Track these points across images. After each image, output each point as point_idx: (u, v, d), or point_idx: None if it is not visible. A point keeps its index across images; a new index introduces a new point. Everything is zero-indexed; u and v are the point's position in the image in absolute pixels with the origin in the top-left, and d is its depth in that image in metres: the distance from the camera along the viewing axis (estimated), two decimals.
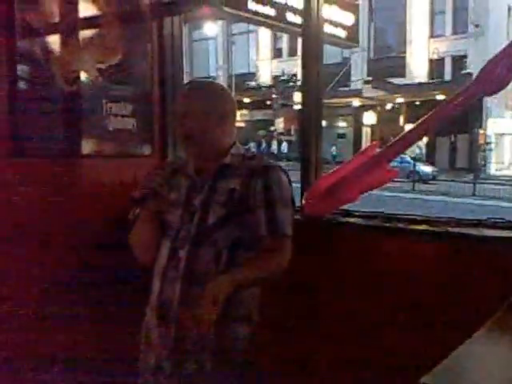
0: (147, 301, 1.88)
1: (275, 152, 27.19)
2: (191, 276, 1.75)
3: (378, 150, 2.22)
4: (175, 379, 1.79)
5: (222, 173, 1.85)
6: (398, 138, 2.22)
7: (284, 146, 28.01)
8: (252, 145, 28.35)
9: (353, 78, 28.56)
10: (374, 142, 2.42)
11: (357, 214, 2.48)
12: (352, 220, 2.45)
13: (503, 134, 25.51)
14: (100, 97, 2.43)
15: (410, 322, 2.17)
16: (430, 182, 21.31)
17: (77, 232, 2.26)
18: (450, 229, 2.25)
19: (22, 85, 2.11)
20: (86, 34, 2.45)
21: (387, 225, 2.36)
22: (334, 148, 25.04)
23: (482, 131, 24.79)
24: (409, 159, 20.78)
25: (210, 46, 34.17)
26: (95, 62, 2.40)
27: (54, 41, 2.33)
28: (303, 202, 2.36)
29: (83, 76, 2.37)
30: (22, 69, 2.11)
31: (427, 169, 22.71)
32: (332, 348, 2.34)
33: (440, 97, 22.40)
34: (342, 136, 28.87)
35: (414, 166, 20.35)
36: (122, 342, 2.13)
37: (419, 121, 2.17)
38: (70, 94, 2.29)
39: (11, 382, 2.07)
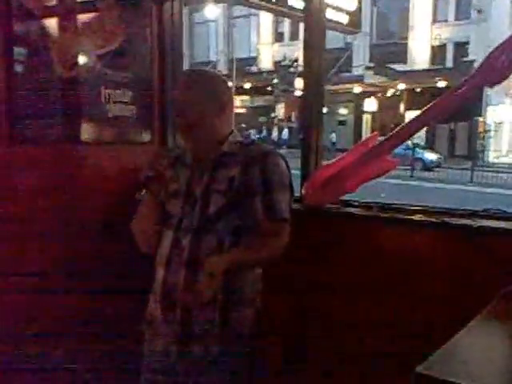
0: (150, 289, 1.90)
1: (275, 139, 27.10)
2: (194, 264, 1.76)
3: (378, 140, 2.22)
4: (182, 364, 1.82)
5: (221, 161, 1.86)
6: (398, 128, 2.22)
7: (285, 132, 27.92)
8: (252, 131, 28.29)
9: (354, 64, 28.41)
10: (375, 133, 2.41)
11: (356, 203, 2.49)
12: (351, 210, 2.46)
13: (502, 122, 25.45)
14: (99, 83, 2.41)
15: (407, 311, 2.18)
16: (435, 169, 21.20)
17: (76, 218, 2.26)
18: (446, 219, 2.26)
19: (19, 71, 2.09)
20: (84, 18, 2.43)
21: (386, 215, 2.37)
22: (333, 135, 25.00)
23: (481, 119, 24.75)
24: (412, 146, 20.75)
25: (211, 29, 33.91)
26: (94, 47, 2.39)
27: (51, 26, 2.31)
28: (303, 191, 2.36)
29: (82, 62, 2.35)
30: (19, 55, 2.09)
31: (432, 156, 22.60)
32: (330, 335, 2.36)
33: (441, 84, 22.35)
34: (342, 123, 28.81)
35: (413, 152, 20.18)
36: (126, 330, 2.15)
37: (420, 112, 2.17)
38: (69, 80, 2.28)
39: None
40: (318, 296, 2.39)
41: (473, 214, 2.30)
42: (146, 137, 2.73)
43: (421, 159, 21.49)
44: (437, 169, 21.21)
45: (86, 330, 2.22)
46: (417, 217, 2.33)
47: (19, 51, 2.11)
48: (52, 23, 2.31)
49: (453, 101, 2.09)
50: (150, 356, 1.89)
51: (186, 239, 1.79)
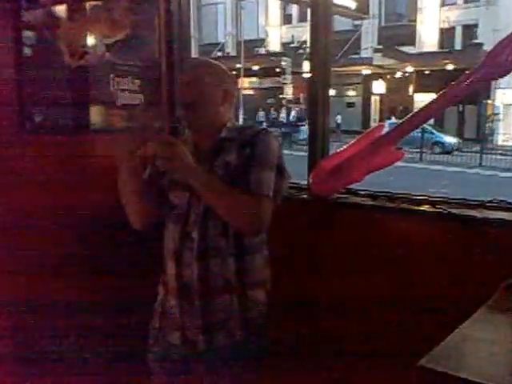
0: (159, 279, 1.91)
1: (284, 120, 26.96)
2: (205, 254, 1.78)
3: (384, 131, 2.22)
4: (210, 354, 1.82)
5: (220, 148, 1.84)
6: (405, 119, 2.22)
7: (293, 114, 27.72)
8: (261, 113, 28.18)
9: (363, 46, 28.17)
10: (381, 124, 2.42)
11: (363, 193, 2.50)
12: (358, 199, 2.47)
13: (511, 104, 25.21)
14: (107, 72, 2.42)
15: (411, 301, 2.19)
16: (455, 153, 20.87)
17: (86, 206, 2.28)
18: (453, 210, 2.26)
19: (29, 60, 2.10)
20: (93, 7, 2.43)
21: (392, 205, 2.38)
22: (339, 117, 24.80)
23: (490, 102, 24.54)
24: (431, 129, 20.54)
25: (219, 10, 33.65)
26: (102, 36, 2.39)
27: (60, 15, 2.32)
28: (309, 180, 2.38)
29: (90, 51, 2.36)
30: (29, 44, 2.10)
31: (452, 140, 22.11)
32: (336, 324, 2.37)
33: (450, 66, 22.15)
34: (350, 105, 28.64)
35: (423, 135, 19.91)
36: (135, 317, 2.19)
37: (427, 103, 2.16)
38: (78, 68, 2.29)
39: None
40: (325, 285, 2.41)
41: (479, 205, 2.30)
42: (155, 124, 2.73)
43: (440, 143, 21.25)
44: (456, 152, 20.92)
45: (96, 318, 2.26)
46: (423, 207, 2.33)
47: (29, 40, 2.11)
48: (61, 12, 2.31)
49: (457, 94, 2.07)
50: (166, 348, 1.88)
51: (195, 231, 1.78)
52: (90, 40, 2.34)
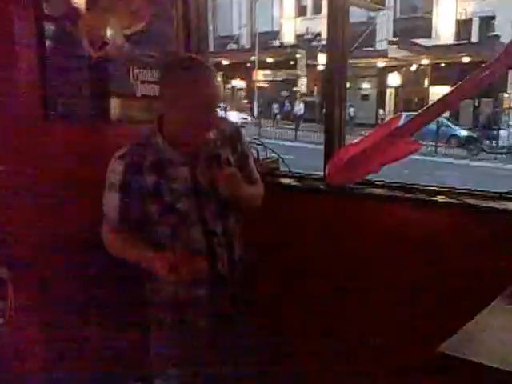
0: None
1: (298, 113, 26.83)
2: (231, 244, 1.98)
3: (401, 122, 2.23)
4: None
5: (211, 147, 1.92)
6: (421, 110, 2.22)
7: (301, 106, 27.48)
8: (275, 106, 28.09)
9: (378, 38, 27.95)
10: (399, 114, 2.42)
11: (379, 184, 2.51)
12: (374, 190, 2.48)
13: None
14: (127, 63, 2.45)
15: (428, 289, 2.23)
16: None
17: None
18: (468, 201, 2.27)
19: (51, 52, 2.13)
20: None
21: (408, 196, 2.39)
22: (352, 109, 24.64)
23: (506, 95, 24.24)
24: (448, 123, 20.32)
25: (234, 3, 33.54)
26: (121, 27, 2.42)
27: (81, 6, 2.34)
28: (326, 170, 2.39)
29: (110, 42, 2.39)
30: (51, 36, 2.13)
31: (467, 133, 21.47)
32: (351, 314, 2.42)
33: (466, 59, 21.91)
34: (365, 97, 28.46)
35: (438, 128, 19.70)
36: None
37: (443, 94, 2.17)
38: (98, 60, 2.32)
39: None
40: (342, 274, 2.43)
41: (497, 196, 2.30)
42: None
43: (457, 136, 21.04)
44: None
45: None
46: (439, 198, 2.34)
47: (51, 32, 2.13)
48: (81, 3, 2.33)
49: (476, 85, 2.07)
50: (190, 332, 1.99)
51: (218, 226, 1.93)
52: (110, 31, 2.37)
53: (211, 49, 17.95)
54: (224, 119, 2.27)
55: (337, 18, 2.52)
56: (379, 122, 23.54)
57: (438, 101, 2.18)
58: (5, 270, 2.04)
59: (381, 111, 26.64)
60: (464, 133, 21.40)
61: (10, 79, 2.01)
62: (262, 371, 2.08)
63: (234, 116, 21.42)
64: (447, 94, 2.15)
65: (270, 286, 2.42)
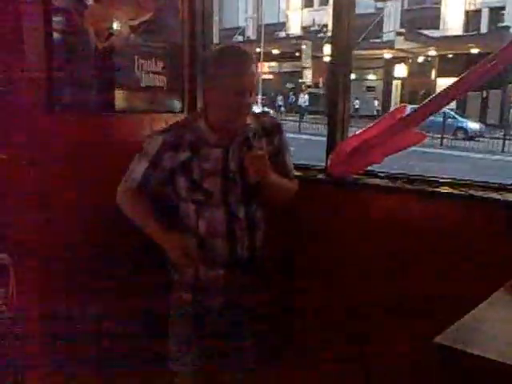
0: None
1: (302, 105, 26.75)
2: (252, 230, 2.03)
3: (405, 113, 2.22)
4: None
5: (246, 133, 1.98)
6: (426, 101, 2.22)
7: (305, 98, 27.41)
8: (280, 98, 28.02)
9: (385, 29, 27.81)
10: (403, 105, 2.41)
11: (381, 175, 2.51)
12: (376, 181, 2.49)
13: None
14: (132, 53, 2.46)
15: (430, 281, 2.23)
16: (477, 139, 20.48)
17: (111, 184, 2.35)
18: (472, 192, 2.27)
19: (57, 42, 2.14)
20: None
21: (411, 187, 2.39)
22: (357, 101, 24.56)
23: None
24: (454, 114, 20.29)
25: None
26: (127, 18, 2.43)
27: None
28: (328, 161, 2.40)
29: (116, 32, 2.40)
30: (57, 26, 2.14)
31: (475, 125, 21.68)
32: (352, 303, 2.43)
33: (474, 50, 21.77)
34: (371, 89, 28.36)
35: (445, 119, 19.61)
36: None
37: (450, 84, 2.15)
38: (104, 50, 2.33)
39: None
40: (344, 265, 2.45)
41: (500, 188, 2.30)
42: (177, 106, 2.78)
43: (464, 128, 20.96)
44: (479, 139, 20.51)
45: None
46: (443, 189, 2.34)
47: (58, 23, 2.15)
48: None
49: (484, 75, 2.05)
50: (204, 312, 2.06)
51: (241, 211, 1.98)
52: (116, 22, 2.38)
53: (216, 40, 17.88)
54: (267, 113, 2.40)
55: (342, 8, 2.51)
56: (375, 113, 23.51)
57: (443, 91, 2.17)
58: (6, 256, 2.06)
59: (376, 102, 26.50)
60: (475, 125, 21.35)
61: (16, 69, 2.02)
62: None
63: None
64: (452, 85, 2.14)
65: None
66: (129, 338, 2.39)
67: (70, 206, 2.21)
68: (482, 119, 23.94)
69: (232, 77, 1.84)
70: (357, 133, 2.30)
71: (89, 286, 2.25)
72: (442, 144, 18.96)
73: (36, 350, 2.19)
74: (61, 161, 2.17)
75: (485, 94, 24.15)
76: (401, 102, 26.16)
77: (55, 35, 2.12)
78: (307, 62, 28.32)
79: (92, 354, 2.33)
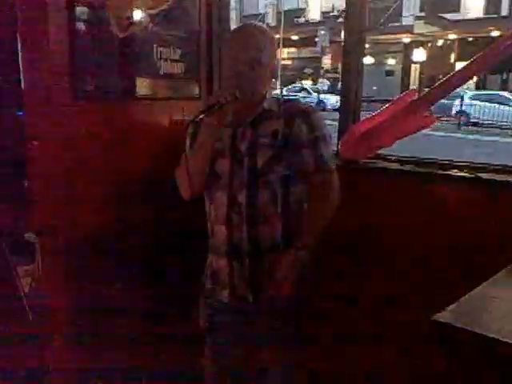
0: (206, 244, 2.05)
1: (321, 90, 26.56)
2: (254, 218, 1.92)
3: (416, 96, 2.23)
4: (257, 305, 1.97)
5: (262, 117, 1.95)
6: (437, 83, 2.19)
7: (325, 83, 27.08)
8: (298, 83, 27.83)
9: (404, 14, 27.44)
10: (412, 89, 2.43)
11: (393, 158, 2.53)
12: (387, 164, 2.51)
13: None
14: (151, 42, 2.53)
15: (445, 265, 2.26)
16: None
17: (133, 168, 2.43)
18: (486, 175, 2.28)
19: (80, 32, 2.22)
20: None
21: (421, 170, 2.42)
22: (374, 88, 24.19)
23: None
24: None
25: None
26: (146, 8, 2.50)
27: None
28: (339, 145, 2.41)
29: (136, 22, 2.47)
30: (80, 17, 2.22)
31: None
32: (372, 287, 2.47)
33: (495, 33, 21.38)
34: (389, 73, 28.07)
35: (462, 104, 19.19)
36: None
37: (465, 64, 2.10)
38: (124, 39, 2.41)
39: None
40: (358, 249, 2.47)
41: (510, 170, 2.31)
42: (195, 92, 2.85)
43: None
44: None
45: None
46: (452, 172, 2.36)
47: (81, 13, 2.22)
48: None
49: (498, 54, 1.98)
50: (214, 305, 2.06)
51: (242, 195, 1.91)
52: (135, 12, 2.46)
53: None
54: (297, 100, 2.37)
55: None
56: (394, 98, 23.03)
57: (457, 72, 2.13)
58: (32, 235, 2.13)
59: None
60: None
61: (42, 60, 2.09)
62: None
63: None
64: (467, 65, 2.08)
65: None
66: (156, 317, 2.43)
67: (96, 187, 2.27)
68: None
69: (241, 47, 1.89)
70: (368, 116, 2.33)
71: (115, 265, 2.30)
72: (459, 128, 18.69)
73: (62, 325, 2.26)
74: (86, 145, 2.24)
75: (505, 76, 23.70)
76: (419, 85, 25.85)
77: (78, 25, 2.20)
78: (326, 47, 28.08)
79: (117, 331, 2.37)
